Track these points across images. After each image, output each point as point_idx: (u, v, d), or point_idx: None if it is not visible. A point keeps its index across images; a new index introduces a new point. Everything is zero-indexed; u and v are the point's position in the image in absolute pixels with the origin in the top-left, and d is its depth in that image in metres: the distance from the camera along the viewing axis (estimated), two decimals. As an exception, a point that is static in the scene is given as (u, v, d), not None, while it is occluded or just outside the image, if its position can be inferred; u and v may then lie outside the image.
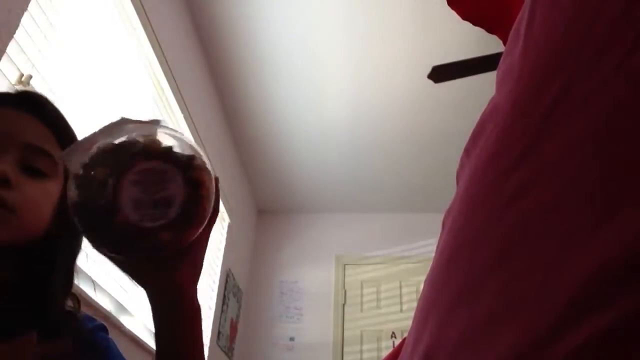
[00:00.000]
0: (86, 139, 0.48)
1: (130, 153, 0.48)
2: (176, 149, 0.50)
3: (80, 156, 0.47)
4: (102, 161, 0.47)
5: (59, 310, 0.62)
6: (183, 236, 0.50)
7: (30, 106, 0.63)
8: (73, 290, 0.67)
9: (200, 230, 0.52)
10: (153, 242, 0.48)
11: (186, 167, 0.50)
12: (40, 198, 0.59)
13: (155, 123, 0.51)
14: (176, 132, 0.52)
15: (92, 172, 0.47)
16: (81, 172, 0.47)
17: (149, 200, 0.47)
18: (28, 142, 0.59)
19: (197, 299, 0.56)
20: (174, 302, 0.54)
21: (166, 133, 0.51)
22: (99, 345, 0.65)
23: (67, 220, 0.61)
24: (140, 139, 0.49)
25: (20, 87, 1.48)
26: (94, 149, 0.48)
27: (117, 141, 0.48)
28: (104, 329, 0.70)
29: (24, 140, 0.59)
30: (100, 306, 1.86)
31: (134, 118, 0.50)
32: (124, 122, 0.50)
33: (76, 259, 0.68)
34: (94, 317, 0.72)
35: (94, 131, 0.49)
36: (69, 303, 0.68)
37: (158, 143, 0.49)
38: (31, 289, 0.60)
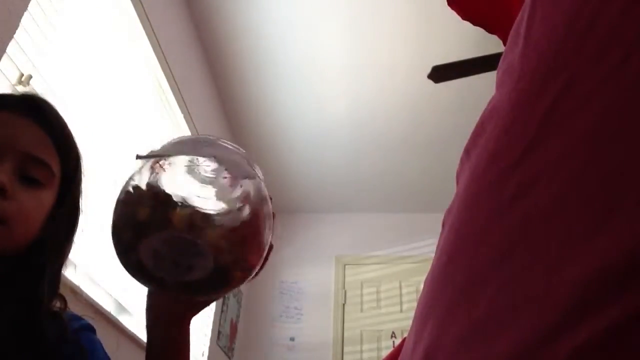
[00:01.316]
0: (165, 149, 0.52)
1: (167, 216, 0.50)
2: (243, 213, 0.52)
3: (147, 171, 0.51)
4: (145, 202, 0.51)
5: (45, 312, 0.61)
6: (195, 300, 0.54)
7: (31, 111, 0.62)
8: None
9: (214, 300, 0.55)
10: (170, 287, 0.53)
11: (218, 252, 0.52)
12: (34, 208, 0.59)
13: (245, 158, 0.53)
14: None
15: (134, 208, 0.51)
16: (130, 190, 0.51)
17: (171, 257, 0.51)
18: (26, 151, 0.59)
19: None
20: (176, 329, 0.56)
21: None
22: (83, 346, 0.65)
23: (57, 228, 0.63)
24: (188, 203, 0.51)
25: (20, 88, 1.48)
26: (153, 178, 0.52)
27: (169, 189, 0.51)
28: (90, 328, 0.69)
29: (22, 148, 0.59)
30: (100, 306, 1.86)
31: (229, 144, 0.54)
32: (213, 143, 0.51)
33: (64, 262, 0.67)
34: (82, 316, 0.71)
35: (180, 139, 0.52)
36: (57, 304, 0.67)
37: (199, 215, 0.51)
38: (18, 293, 0.59)
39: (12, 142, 0.58)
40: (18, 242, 0.58)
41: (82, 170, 0.70)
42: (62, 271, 0.67)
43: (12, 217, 0.56)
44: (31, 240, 0.60)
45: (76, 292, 1.68)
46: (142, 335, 2.30)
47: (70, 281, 1.65)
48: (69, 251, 0.68)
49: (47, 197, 0.61)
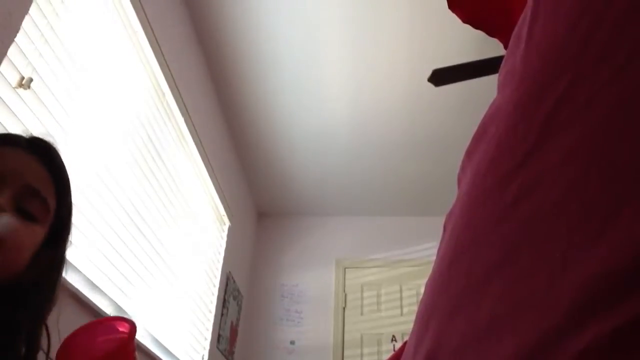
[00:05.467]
0: None
1: None
2: None
3: None
4: None
5: None
6: None
7: (40, 152, 0.66)
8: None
9: None
10: None
11: None
12: (25, 239, 0.60)
13: None
14: None
15: None
16: None
17: None
18: (29, 183, 0.62)
19: None
20: None
21: None
22: None
23: (50, 268, 0.65)
24: None
25: (20, 91, 1.48)
26: None
27: None
28: None
29: (26, 181, 0.62)
30: (100, 309, 1.86)
31: None
32: None
33: (47, 310, 0.66)
34: None
35: None
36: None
37: None
38: None
39: (16, 174, 0.61)
40: (7, 270, 0.58)
41: (71, 225, 0.71)
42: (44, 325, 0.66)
43: (7, 239, 0.57)
44: (15, 277, 0.60)
45: (76, 295, 1.68)
46: (143, 339, 2.30)
47: (71, 285, 1.65)
48: (52, 298, 0.67)
49: (39, 233, 0.63)
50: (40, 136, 0.70)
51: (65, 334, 0.70)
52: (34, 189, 0.62)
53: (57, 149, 0.69)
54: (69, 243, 0.70)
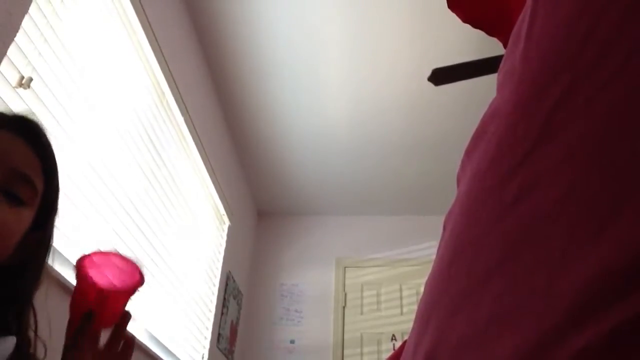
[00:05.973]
0: None
1: None
2: None
3: None
4: None
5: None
6: None
7: (24, 131, 0.64)
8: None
9: None
10: None
11: None
12: (13, 225, 0.59)
13: None
14: None
15: None
16: None
17: None
18: (15, 167, 0.60)
19: None
20: None
21: None
22: None
23: (38, 252, 0.65)
24: None
25: (21, 90, 1.48)
26: None
27: None
28: None
29: (12, 164, 0.60)
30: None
31: None
32: None
33: (35, 290, 0.67)
34: None
35: None
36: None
37: None
38: None
39: (2, 157, 0.60)
40: None
41: (59, 205, 0.71)
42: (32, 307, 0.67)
43: None
44: (2, 260, 0.60)
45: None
46: (143, 339, 2.30)
47: (71, 284, 1.65)
48: (39, 281, 0.67)
49: (27, 217, 0.61)
50: (25, 114, 0.68)
51: (58, 328, 0.71)
52: (22, 173, 0.60)
53: (43, 127, 0.67)
54: (56, 222, 0.69)
